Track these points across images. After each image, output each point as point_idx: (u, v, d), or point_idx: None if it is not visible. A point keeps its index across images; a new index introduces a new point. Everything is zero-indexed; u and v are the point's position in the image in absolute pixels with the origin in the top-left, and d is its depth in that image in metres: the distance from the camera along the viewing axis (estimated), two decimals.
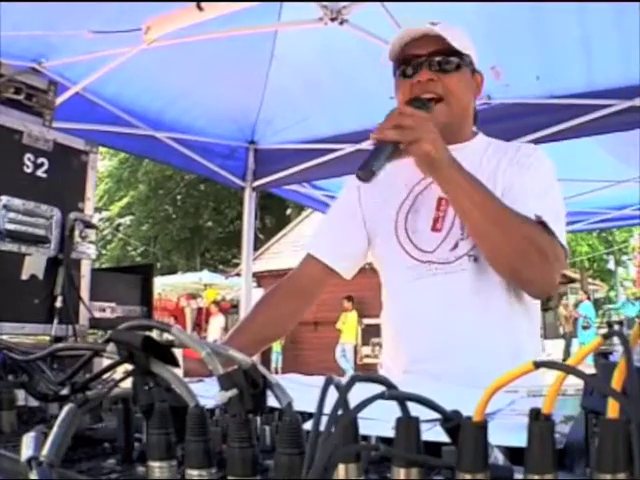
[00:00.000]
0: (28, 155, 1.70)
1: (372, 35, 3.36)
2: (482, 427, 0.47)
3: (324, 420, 0.47)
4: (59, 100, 2.69)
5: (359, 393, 0.49)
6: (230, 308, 19.25)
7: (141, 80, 4.31)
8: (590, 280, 27.22)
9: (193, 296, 20.42)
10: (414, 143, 1.49)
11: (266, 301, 2.01)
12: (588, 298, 19.88)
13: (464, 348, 1.65)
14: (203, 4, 2.95)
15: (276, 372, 16.81)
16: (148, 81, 4.35)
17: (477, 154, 1.79)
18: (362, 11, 3.20)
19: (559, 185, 1.77)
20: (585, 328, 17.34)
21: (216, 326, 17.75)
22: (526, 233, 1.57)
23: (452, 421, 0.50)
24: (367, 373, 0.50)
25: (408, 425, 0.48)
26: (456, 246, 1.71)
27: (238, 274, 14.09)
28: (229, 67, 4.29)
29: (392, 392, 0.48)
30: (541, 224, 1.60)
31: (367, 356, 16.81)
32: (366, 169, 1.47)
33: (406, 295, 1.79)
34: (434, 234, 1.74)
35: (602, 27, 3.55)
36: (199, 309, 19.82)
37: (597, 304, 27.33)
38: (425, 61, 1.70)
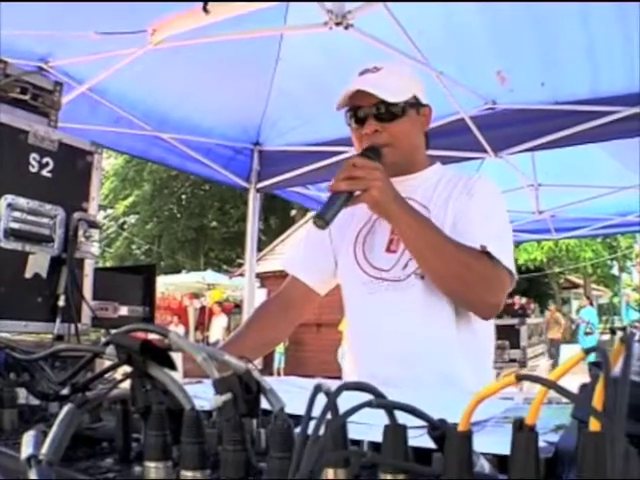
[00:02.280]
0: (33, 155, 1.71)
1: (377, 40, 3.37)
2: (467, 436, 0.48)
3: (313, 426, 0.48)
4: (65, 100, 2.71)
5: (351, 400, 0.51)
6: (233, 308, 19.27)
7: (147, 81, 4.32)
8: (594, 286, 27.18)
9: (196, 295, 20.45)
10: (364, 192, 1.66)
11: (258, 315, 2.19)
12: (591, 304, 19.79)
13: (411, 357, 1.81)
14: (209, 7, 2.96)
15: (278, 373, 16.82)
16: (154, 82, 4.36)
17: (430, 182, 1.96)
18: (367, 16, 3.21)
19: (503, 208, 1.94)
20: (588, 334, 17.22)
21: (218, 326, 17.79)
22: (464, 260, 1.72)
23: (439, 429, 0.52)
24: (356, 381, 0.51)
25: (395, 432, 0.49)
26: (406, 265, 1.87)
27: (242, 274, 14.12)
28: (234, 69, 4.30)
29: (380, 400, 0.49)
30: (485, 252, 1.73)
31: None
32: (321, 219, 1.63)
33: (361, 309, 1.98)
34: (389, 255, 1.91)
35: (607, 34, 3.56)
36: (202, 308, 19.85)
37: (601, 310, 27.29)
38: (370, 112, 1.87)
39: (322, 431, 0.47)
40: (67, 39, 3.63)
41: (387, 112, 1.87)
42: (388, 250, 1.92)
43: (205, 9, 2.98)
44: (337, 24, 3.13)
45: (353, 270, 1.97)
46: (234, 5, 3.05)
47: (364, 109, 1.88)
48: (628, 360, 0.43)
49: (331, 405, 0.48)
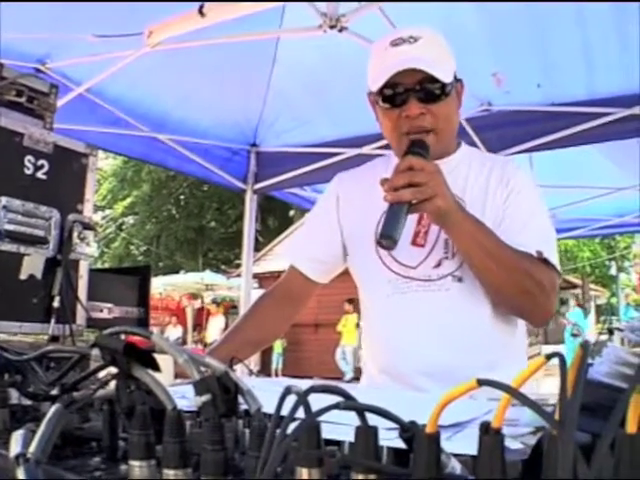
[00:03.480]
0: (28, 157, 1.72)
1: (371, 42, 3.38)
2: (434, 438, 0.49)
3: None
4: (62, 101, 2.72)
5: (325, 400, 0.52)
6: (230, 308, 19.29)
7: (144, 83, 4.34)
8: (592, 286, 27.18)
9: (194, 296, 20.46)
10: (427, 200, 1.48)
11: (256, 307, 2.06)
12: (579, 305, 19.72)
13: (443, 364, 1.66)
14: (205, 10, 2.97)
15: (276, 374, 16.82)
16: (151, 84, 4.38)
17: (463, 166, 1.81)
18: (361, 18, 3.22)
19: (543, 200, 1.81)
20: (575, 336, 17.14)
21: (216, 326, 17.80)
22: (528, 271, 1.60)
23: (409, 431, 0.53)
24: (324, 383, 0.53)
25: (366, 434, 0.51)
26: (439, 264, 1.73)
27: (240, 275, 14.14)
28: (232, 70, 4.32)
29: (348, 403, 0.51)
30: (539, 255, 1.63)
31: None
32: (388, 239, 1.46)
33: (386, 309, 1.80)
34: (415, 249, 1.75)
35: (603, 36, 3.58)
36: (200, 309, 19.87)
37: (598, 310, 27.28)
38: (412, 91, 1.64)
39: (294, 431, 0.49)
40: (65, 41, 3.64)
41: (433, 92, 1.65)
42: (414, 243, 1.74)
43: (201, 12, 2.99)
44: (331, 27, 3.14)
45: (375, 266, 1.80)
46: (230, 8, 3.07)
47: (404, 87, 1.64)
48: (583, 368, 0.45)
49: (300, 405, 0.49)
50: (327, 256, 1.97)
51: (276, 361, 17.59)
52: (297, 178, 5.24)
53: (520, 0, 3.38)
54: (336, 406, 0.50)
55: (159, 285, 18.75)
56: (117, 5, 3.31)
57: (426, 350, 1.70)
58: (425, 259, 1.74)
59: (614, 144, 4.43)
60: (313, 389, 0.50)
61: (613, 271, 29.51)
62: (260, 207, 5.79)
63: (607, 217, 6.79)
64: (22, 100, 1.82)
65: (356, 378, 16.05)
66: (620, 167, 5.19)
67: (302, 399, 0.49)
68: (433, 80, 1.63)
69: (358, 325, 16.64)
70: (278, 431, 0.48)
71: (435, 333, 1.71)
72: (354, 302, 15.81)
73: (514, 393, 0.45)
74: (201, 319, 19.53)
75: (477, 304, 1.71)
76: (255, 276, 5.92)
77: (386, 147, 4.33)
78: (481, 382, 0.46)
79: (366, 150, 4.68)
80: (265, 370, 16.32)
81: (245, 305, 5.60)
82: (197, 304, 20.02)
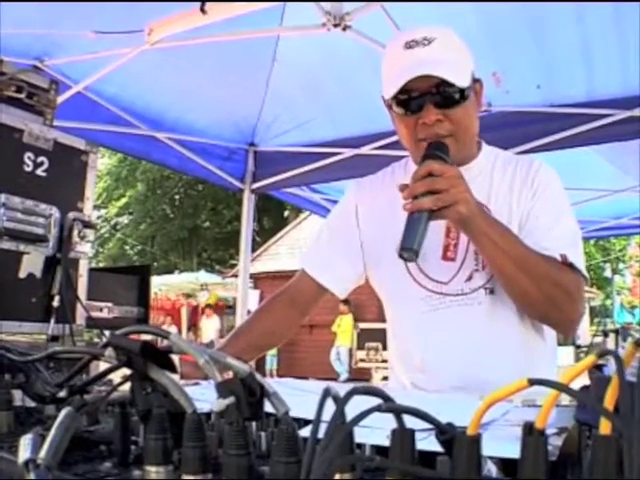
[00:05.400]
0: (28, 154, 1.70)
1: (375, 41, 3.37)
2: (476, 440, 0.48)
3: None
4: (61, 99, 2.69)
5: (354, 401, 0.50)
6: (226, 308, 19.26)
7: (142, 81, 4.32)
8: (587, 288, 27.20)
9: (189, 296, 20.44)
10: (449, 207, 1.42)
11: (264, 310, 2.02)
12: None
13: (481, 377, 1.58)
14: (207, 7, 2.95)
15: (271, 375, 16.80)
16: (149, 82, 4.35)
17: (486, 171, 1.76)
18: (365, 17, 3.20)
19: (568, 201, 1.76)
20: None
21: (211, 327, 17.77)
22: (555, 278, 1.56)
23: (446, 434, 0.51)
24: (365, 386, 0.51)
25: (403, 437, 0.49)
26: (471, 277, 1.69)
27: (235, 275, 14.09)
28: (231, 69, 4.30)
29: (389, 405, 0.49)
30: (563, 259, 1.59)
31: (362, 360, 16.77)
32: (410, 250, 1.40)
33: (419, 326, 1.75)
34: (446, 263, 1.70)
35: (603, 38, 3.57)
36: (195, 309, 19.84)
37: (593, 312, 27.31)
38: (428, 97, 1.57)
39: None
40: (63, 38, 3.61)
41: (450, 97, 1.57)
42: (445, 258, 1.69)
43: (202, 9, 2.97)
44: (335, 25, 3.12)
45: (406, 283, 1.74)
46: (232, 5, 3.05)
47: (419, 92, 1.56)
48: None
49: (340, 411, 0.47)
50: (349, 273, 1.91)
51: (270, 362, 17.55)
52: (295, 178, 5.22)
53: (521, 0, 3.37)
54: (378, 408, 0.48)
55: (154, 285, 18.65)
56: (117, 2, 3.28)
57: (463, 364, 1.67)
58: (457, 274, 1.70)
59: (612, 145, 4.42)
60: (357, 390, 0.48)
61: (608, 273, 29.57)
62: (256, 207, 5.77)
63: (603, 219, 6.78)
64: (22, 96, 1.80)
65: (351, 379, 16.05)
66: (618, 169, 5.19)
67: (343, 403, 0.47)
68: (450, 84, 1.55)
69: (354, 326, 16.64)
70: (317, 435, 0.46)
71: (471, 347, 1.68)
72: (349, 303, 15.80)
73: (568, 391, 0.43)
74: (196, 319, 19.49)
75: (510, 315, 1.68)
76: (250, 276, 5.92)
77: (384, 147, 4.34)
78: (532, 381, 0.44)
79: (364, 150, 4.66)
80: (259, 370, 16.12)
81: (242, 305, 5.58)
82: (193, 304, 19.98)
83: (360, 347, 16.86)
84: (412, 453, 0.49)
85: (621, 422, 0.41)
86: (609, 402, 0.44)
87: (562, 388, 0.43)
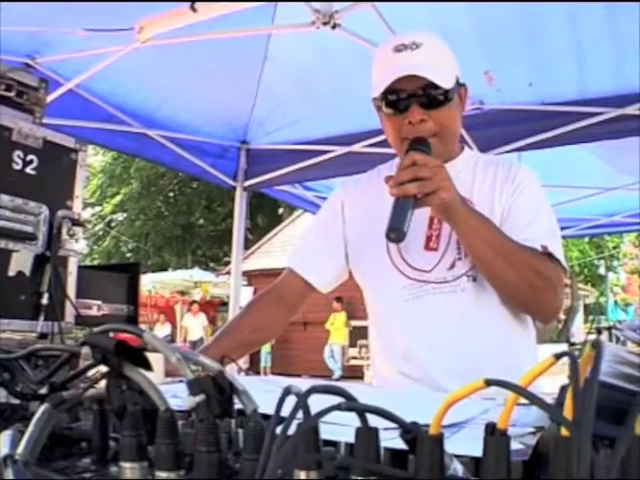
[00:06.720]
0: (17, 152, 1.70)
1: (364, 39, 3.37)
2: (438, 440, 0.48)
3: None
4: (52, 96, 2.70)
5: (324, 403, 0.51)
6: (219, 305, 19.25)
7: (134, 78, 4.31)
8: (581, 285, 27.30)
9: (183, 293, 20.43)
10: (432, 194, 1.50)
11: (252, 307, 2.05)
12: None
13: (464, 365, 1.63)
14: (197, 5, 2.95)
15: (265, 372, 16.81)
16: (141, 79, 4.35)
17: (468, 170, 1.83)
18: (354, 15, 3.21)
19: (545, 194, 1.83)
20: None
21: (198, 325, 17.78)
22: (535, 266, 1.62)
23: (410, 433, 0.52)
24: (325, 384, 0.52)
25: (367, 435, 0.49)
26: (453, 266, 1.74)
27: (229, 272, 14.10)
28: (222, 67, 4.30)
29: (350, 404, 0.49)
30: (543, 249, 1.64)
31: (354, 357, 16.83)
32: (397, 231, 1.47)
33: (403, 314, 1.80)
34: (429, 253, 1.76)
35: (595, 36, 3.58)
36: (190, 305, 19.83)
37: (587, 309, 27.40)
38: (414, 97, 1.66)
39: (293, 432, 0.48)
40: (55, 36, 3.61)
41: (435, 98, 1.66)
42: (427, 248, 1.76)
43: (193, 8, 2.97)
44: (324, 24, 3.14)
45: (388, 272, 1.80)
46: (222, 4, 3.05)
47: (406, 93, 1.65)
48: (597, 366, 0.44)
49: (300, 406, 0.48)
50: (332, 268, 1.98)
51: (264, 359, 17.58)
52: (287, 175, 5.23)
53: (512, 0, 3.38)
54: (338, 407, 0.48)
55: (148, 282, 18.72)
56: (107, 1, 3.28)
57: (448, 350, 1.71)
58: (439, 262, 1.75)
59: (605, 143, 4.43)
60: (315, 389, 0.48)
61: (602, 271, 29.64)
62: (249, 205, 5.77)
63: (596, 217, 6.81)
64: (11, 94, 1.80)
65: (344, 376, 16.08)
66: (610, 166, 5.20)
67: (303, 401, 0.47)
68: (435, 86, 1.64)
69: (347, 324, 16.67)
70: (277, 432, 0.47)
71: (455, 333, 1.72)
72: (342, 300, 15.83)
73: (523, 393, 0.43)
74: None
75: (492, 301, 1.73)
76: (244, 274, 5.92)
77: (376, 145, 4.35)
78: (489, 382, 0.45)
79: (356, 148, 4.66)
80: (253, 368, 16.30)
81: (235, 302, 5.59)
82: (187, 301, 19.97)
83: (352, 345, 16.93)
84: (377, 452, 0.50)
85: (571, 423, 0.41)
86: (568, 405, 0.45)
87: (518, 390, 0.44)
